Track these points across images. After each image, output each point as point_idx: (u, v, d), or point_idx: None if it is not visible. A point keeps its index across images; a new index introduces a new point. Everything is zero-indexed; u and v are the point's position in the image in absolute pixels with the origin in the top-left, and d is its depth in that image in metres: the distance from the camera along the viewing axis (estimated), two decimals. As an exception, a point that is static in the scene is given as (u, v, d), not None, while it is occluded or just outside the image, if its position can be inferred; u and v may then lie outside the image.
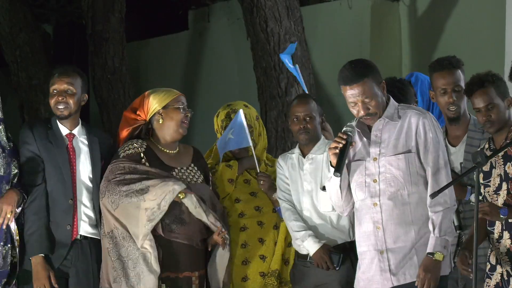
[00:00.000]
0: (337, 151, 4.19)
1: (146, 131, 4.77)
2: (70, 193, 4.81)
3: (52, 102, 4.88)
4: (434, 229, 4.17)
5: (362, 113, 4.22)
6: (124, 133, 4.76)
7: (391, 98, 4.32)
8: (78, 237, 4.80)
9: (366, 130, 4.32)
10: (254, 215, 5.09)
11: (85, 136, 4.95)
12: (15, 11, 9.62)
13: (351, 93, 4.19)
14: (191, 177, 4.74)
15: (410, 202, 4.22)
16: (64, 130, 4.93)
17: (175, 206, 4.63)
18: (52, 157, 4.84)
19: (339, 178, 4.27)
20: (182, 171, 4.73)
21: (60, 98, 4.86)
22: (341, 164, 4.18)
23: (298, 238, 4.84)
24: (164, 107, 4.66)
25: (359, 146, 4.31)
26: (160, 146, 4.72)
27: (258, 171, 5.09)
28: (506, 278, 4.33)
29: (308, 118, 4.89)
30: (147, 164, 4.64)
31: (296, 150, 5.01)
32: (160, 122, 4.67)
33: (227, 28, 10.21)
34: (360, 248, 4.35)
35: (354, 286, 4.42)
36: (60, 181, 4.82)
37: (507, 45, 6.81)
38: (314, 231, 4.84)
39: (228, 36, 10.18)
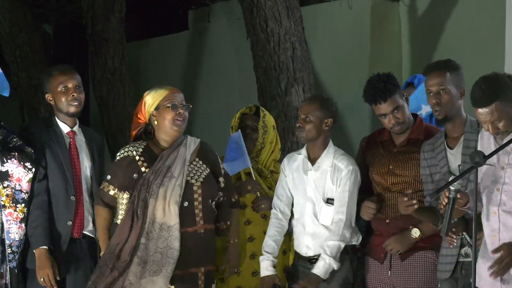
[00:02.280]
0: (443, 208, 4.10)
1: (147, 131, 4.76)
2: (72, 190, 4.85)
3: (63, 99, 4.88)
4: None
5: (491, 131, 4.14)
6: (133, 134, 4.78)
7: None
8: (84, 232, 4.84)
9: None
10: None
11: (83, 134, 4.98)
12: (15, 11, 9.61)
13: (480, 113, 4.10)
14: (193, 174, 4.70)
15: None
16: (65, 128, 4.94)
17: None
18: (55, 154, 4.87)
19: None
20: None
21: (75, 95, 4.87)
22: (448, 227, 4.10)
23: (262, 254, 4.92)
24: (156, 108, 4.65)
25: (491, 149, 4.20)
26: (162, 144, 4.71)
27: (258, 195, 5.09)
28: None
29: (307, 119, 4.89)
30: (145, 164, 4.63)
31: (303, 152, 4.96)
32: (156, 123, 4.66)
33: (227, 28, 10.20)
34: (484, 251, 4.27)
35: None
36: (63, 178, 4.86)
37: (507, 45, 6.80)
38: (313, 235, 4.84)
39: (228, 36, 10.17)
